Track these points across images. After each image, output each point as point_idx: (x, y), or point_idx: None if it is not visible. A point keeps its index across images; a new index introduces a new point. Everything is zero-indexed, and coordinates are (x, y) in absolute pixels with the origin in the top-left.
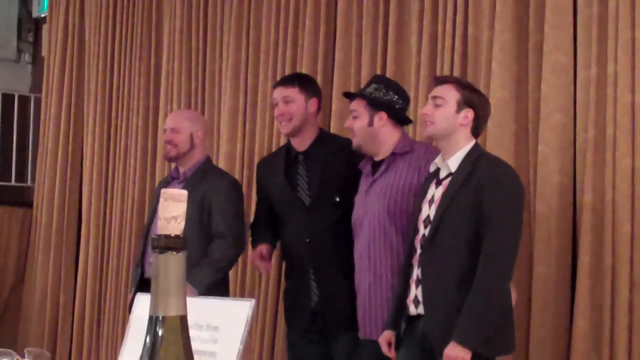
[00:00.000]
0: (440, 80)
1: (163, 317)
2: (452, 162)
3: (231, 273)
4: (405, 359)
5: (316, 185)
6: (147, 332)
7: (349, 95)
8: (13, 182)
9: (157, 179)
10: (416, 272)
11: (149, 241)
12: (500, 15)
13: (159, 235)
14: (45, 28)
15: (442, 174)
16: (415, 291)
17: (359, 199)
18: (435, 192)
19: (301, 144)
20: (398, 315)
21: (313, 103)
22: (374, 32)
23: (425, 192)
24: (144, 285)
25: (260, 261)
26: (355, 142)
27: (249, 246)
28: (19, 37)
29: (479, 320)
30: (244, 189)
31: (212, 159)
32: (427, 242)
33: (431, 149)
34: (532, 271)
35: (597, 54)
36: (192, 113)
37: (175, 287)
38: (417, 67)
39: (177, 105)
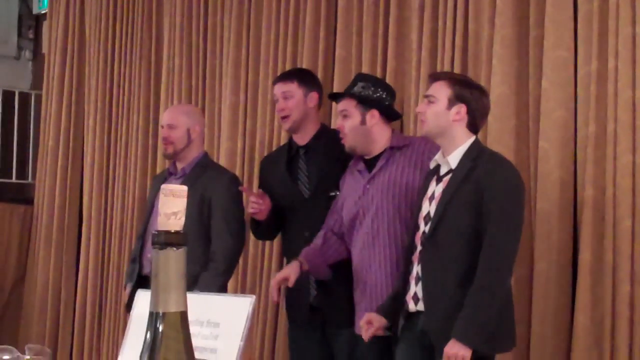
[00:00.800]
0: (434, 78)
1: (163, 313)
2: (452, 158)
3: None
4: (404, 355)
5: (315, 179)
6: (148, 328)
7: (335, 96)
8: (14, 180)
9: None
10: (416, 269)
11: (147, 237)
12: (501, 11)
13: (159, 231)
14: (45, 25)
15: (443, 171)
16: (414, 288)
17: (354, 195)
18: (436, 189)
19: (302, 139)
20: (392, 305)
21: (312, 97)
22: (375, 29)
23: (426, 189)
24: (142, 281)
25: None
26: (348, 143)
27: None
28: (20, 34)
29: (480, 317)
30: (245, 186)
31: (212, 156)
32: (427, 239)
33: (431, 141)
34: (533, 267)
35: (597, 49)
36: (189, 107)
37: (176, 283)
38: (417, 63)
39: (177, 102)
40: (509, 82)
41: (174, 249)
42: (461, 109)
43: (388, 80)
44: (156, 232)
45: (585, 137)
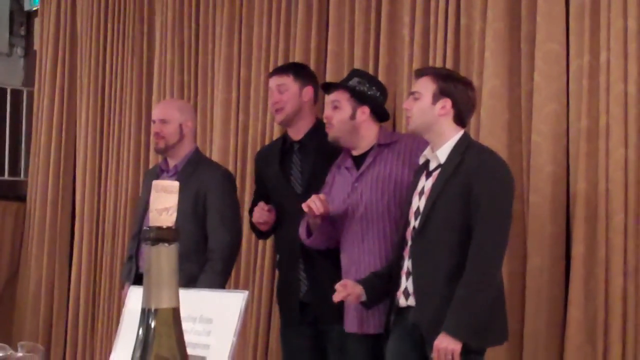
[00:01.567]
0: (418, 74)
1: (155, 310)
2: (441, 153)
3: None
4: (395, 350)
5: (308, 176)
6: (140, 325)
7: (329, 86)
8: (6, 177)
9: None
10: (406, 263)
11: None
12: (492, 5)
13: (151, 227)
14: (37, 21)
15: (432, 166)
16: (405, 283)
17: (342, 192)
18: (425, 184)
19: (296, 133)
20: (372, 280)
21: (307, 91)
22: (367, 24)
23: (416, 184)
24: (140, 280)
25: (261, 212)
26: (333, 134)
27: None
28: (11, 31)
29: (469, 311)
30: (237, 183)
31: (205, 152)
32: (417, 233)
33: (419, 138)
34: (526, 261)
35: (589, 42)
36: (181, 103)
37: (168, 279)
38: (409, 58)
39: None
40: (501, 76)
41: (166, 244)
42: (446, 103)
43: (380, 75)
44: (148, 228)
45: (577, 130)
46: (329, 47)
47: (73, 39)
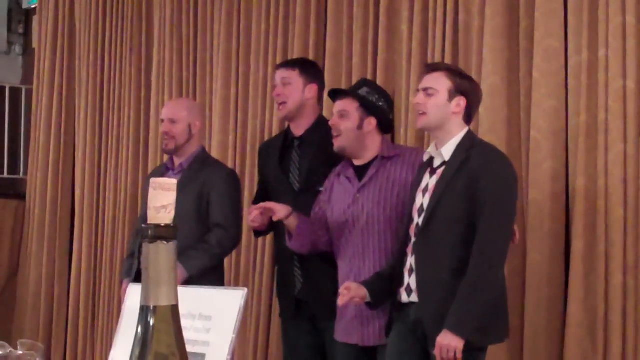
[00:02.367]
0: (430, 68)
1: (154, 307)
2: (446, 150)
3: (225, 262)
4: (396, 345)
5: (306, 173)
6: (139, 322)
7: (337, 93)
8: (5, 175)
9: (150, 170)
10: (410, 260)
11: None
12: (491, 1)
13: (149, 225)
14: (35, 19)
15: (436, 163)
16: (408, 279)
17: (343, 202)
18: (430, 181)
19: (298, 129)
20: (376, 282)
21: (312, 88)
22: (365, 20)
23: (419, 181)
24: (139, 278)
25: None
26: (340, 143)
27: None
28: (9, 29)
29: (472, 308)
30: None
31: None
32: (421, 230)
33: (421, 151)
34: (526, 258)
35: (588, 38)
36: (190, 102)
37: (166, 276)
38: (408, 54)
39: (168, 95)
40: (500, 73)
41: (164, 242)
42: (461, 101)
43: (379, 71)
44: (146, 226)
45: (576, 126)
46: (328, 43)
47: (71, 37)
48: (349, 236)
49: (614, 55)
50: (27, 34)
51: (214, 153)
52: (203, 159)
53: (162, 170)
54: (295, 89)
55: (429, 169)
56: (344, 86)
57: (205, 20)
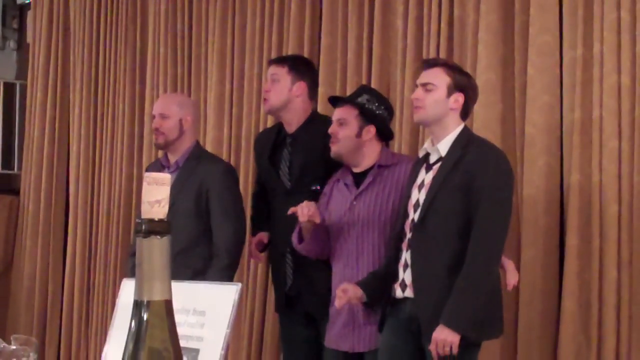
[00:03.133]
0: (429, 64)
1: (148, 302)
2: (442, 146)
3: None
4: (390, 341)
5: (297, 170)
6: (132, 317)
7: (336, 100)
8: (0, 170)
9: (144, 165)
10: (405, 256)
11: None
12: None
13: (143, 219)
14: (29, 15)
15: (432, 159)
16: (402, 275)
17: (340, 208)
18: (426, 177)
19: (290, 126)
20: (372, 282)
21: (299, 86)
22: (360, 16)
23: (415, 177)
24: None
25: (256, 250)
26: (336, 150)
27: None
28: (4, 24)
29: (468, 303)
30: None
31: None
32: (417, 226)
33: None
34: (520, 253)
35: (583, 34)
36: (181, 97)
37: (160, 271)
38: (403, 50)
39: (163, 91)
40: (495, 69)
41: (158, 237)
42: (459, 97)
43: (373, 67)
44: (139, 221)
45: (571, 122)
46: (323, 39)
47: (66, 32)
48: (344, 242)
49: (609, 51)
50: (21, 29)
51: (209, 149)
52: (197, 155)
53: (158, 167)
54: (281, 86)
55: (424, 165)
56: (338, 82)
57: (200, 16)
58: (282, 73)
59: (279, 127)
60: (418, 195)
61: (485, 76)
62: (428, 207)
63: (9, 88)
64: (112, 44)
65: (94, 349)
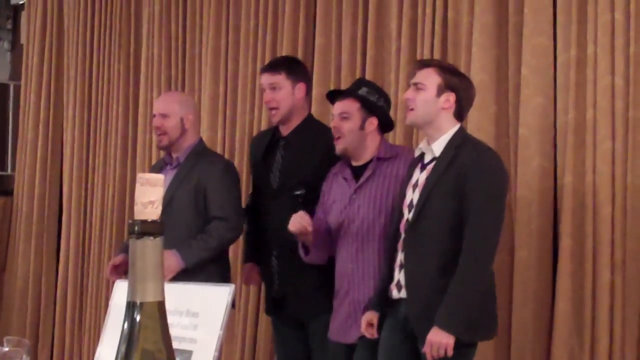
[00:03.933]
0: (422, 64)
1: (141, 303)
2: (437, 146)
3: None
4: (387, 342)
5: (285, 173)
6: (125, 319)
7: (336, 94)
8: None
9: (138, 166)
10: (399, 256)
11: None
12: None
13: (136, 220)
14: (23, 15)
15: (427, 159)
16: (398, 275)
17: (340, 203)
18: (420, 177)
19: (285, 129)
20: (382, 297)
21: (300, 88)
22: (354, 17)
23: (410, 177)
24: None
25: (250, 276)
26: (342, 145)
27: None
28: None
29: (462, 305)
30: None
31: None
32: (411, 226)
33: None
34: (514, 254)
35: (576, 36)
36: (182, 96)
37: (153, 272)
38: (397, 51)
39: (157, 92)
40: (489, 70)
41: (151, 238)
42: (450, 97)
43: (367, 68)
44: (132, 222)
45: (564, 124)
46: (317, 39)
47: (60, 33)
48: (344, 237)
49: (603, 52)
50: (15, 29)
51: None
52: (198, 152)
53: (161, 165)
54: (285, 93)
55: (419, 165)
56: (332, 83)
57: (194, 17)
58: (280, 80)
59: (274, 129)
60: (412, 195)
61: (479, 77)
62: (422, 207)
63: (2, 89)
64: (106, 45)
65: (87, 350)
